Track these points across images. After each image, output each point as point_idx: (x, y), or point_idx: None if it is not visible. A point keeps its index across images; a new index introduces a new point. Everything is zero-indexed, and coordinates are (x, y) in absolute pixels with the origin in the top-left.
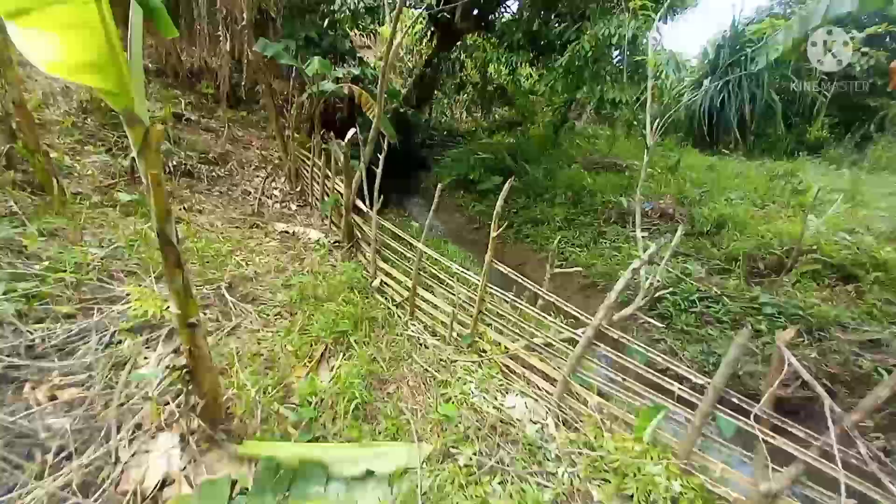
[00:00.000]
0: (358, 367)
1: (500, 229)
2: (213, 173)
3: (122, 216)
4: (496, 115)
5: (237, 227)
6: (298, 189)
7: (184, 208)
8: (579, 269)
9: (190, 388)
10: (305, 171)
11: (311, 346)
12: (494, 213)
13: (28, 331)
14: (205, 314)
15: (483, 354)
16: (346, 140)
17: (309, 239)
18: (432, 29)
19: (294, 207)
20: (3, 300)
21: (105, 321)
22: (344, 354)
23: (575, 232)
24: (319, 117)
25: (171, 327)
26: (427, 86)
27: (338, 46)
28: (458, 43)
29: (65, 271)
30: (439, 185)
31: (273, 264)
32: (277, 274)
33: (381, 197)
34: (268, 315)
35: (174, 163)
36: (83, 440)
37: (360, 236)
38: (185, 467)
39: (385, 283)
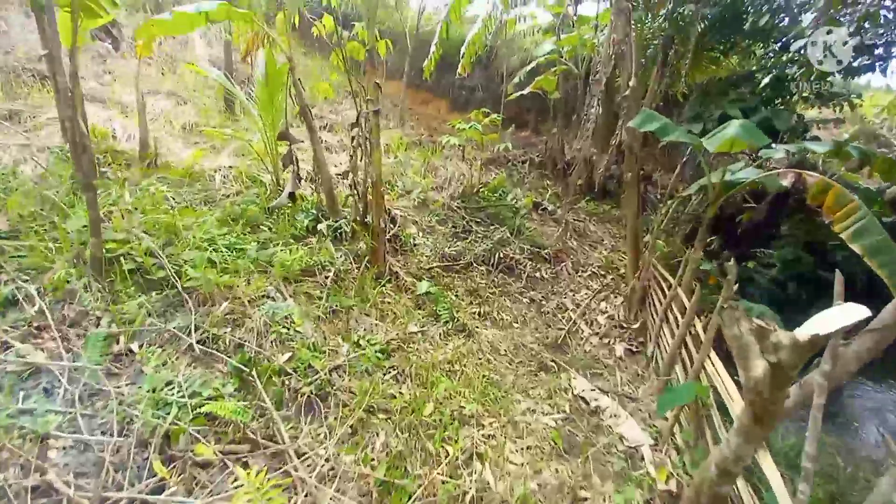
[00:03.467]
0: None
1: None
2: (537, 273)
3: (414, 307)
4: None
5: (520, 361)
6: (638, 324)
7: (477, 314)
8: None
9: None
10: (656, 300)
11: None
12: None
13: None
14: None
15: None
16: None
17: (618, 435)
18: None
19: (620, 351)
20: (176, 418)
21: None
22: None
23: None
24: (709, 220)
25: None
26: None
27: (774, 122)
28: None
29: (291, 374)
30: None
31: (520, 477)
32: None
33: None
34: None
35: (500, 255)
36: None
37: None
38: None
39: None
